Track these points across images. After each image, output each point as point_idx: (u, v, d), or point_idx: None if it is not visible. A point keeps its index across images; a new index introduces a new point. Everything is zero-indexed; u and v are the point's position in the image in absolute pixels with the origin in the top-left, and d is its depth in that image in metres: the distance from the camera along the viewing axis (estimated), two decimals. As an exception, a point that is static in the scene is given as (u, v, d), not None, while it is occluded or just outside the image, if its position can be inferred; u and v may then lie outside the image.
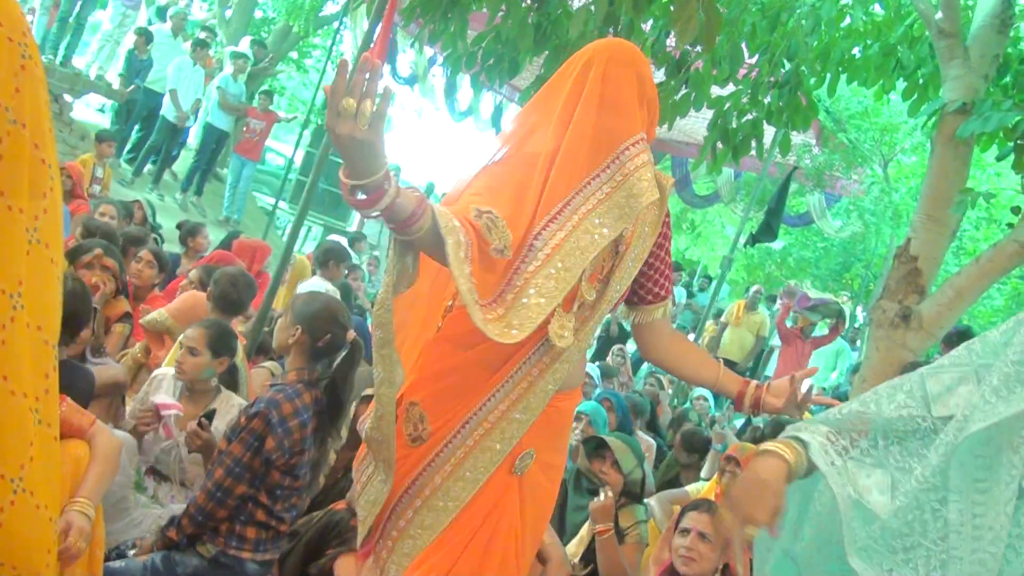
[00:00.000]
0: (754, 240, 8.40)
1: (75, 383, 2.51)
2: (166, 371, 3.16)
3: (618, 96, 1.73)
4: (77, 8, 8.65)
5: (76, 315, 2.62)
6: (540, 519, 2.00)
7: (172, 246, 6.28)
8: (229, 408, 2.99)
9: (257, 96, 10.72)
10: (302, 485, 2.61)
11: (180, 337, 3.07)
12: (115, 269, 3.67)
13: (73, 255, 3.66)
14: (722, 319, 9.35)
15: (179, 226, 6.41)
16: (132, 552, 2.56)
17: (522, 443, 1.82)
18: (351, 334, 2.63)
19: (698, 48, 3.54)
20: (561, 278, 1.63)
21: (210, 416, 2.84)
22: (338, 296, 5.00)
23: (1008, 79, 3.85)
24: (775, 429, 4.52)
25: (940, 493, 1.35)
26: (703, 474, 4.32)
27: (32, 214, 0.98)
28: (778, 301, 9.42)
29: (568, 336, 1.71)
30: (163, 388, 3.06)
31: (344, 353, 2.66)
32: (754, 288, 9.48)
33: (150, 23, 10.29)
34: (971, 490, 1.34)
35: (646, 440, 4.69)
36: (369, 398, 3.42)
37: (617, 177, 1.70)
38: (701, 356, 2.15)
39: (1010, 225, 3.53)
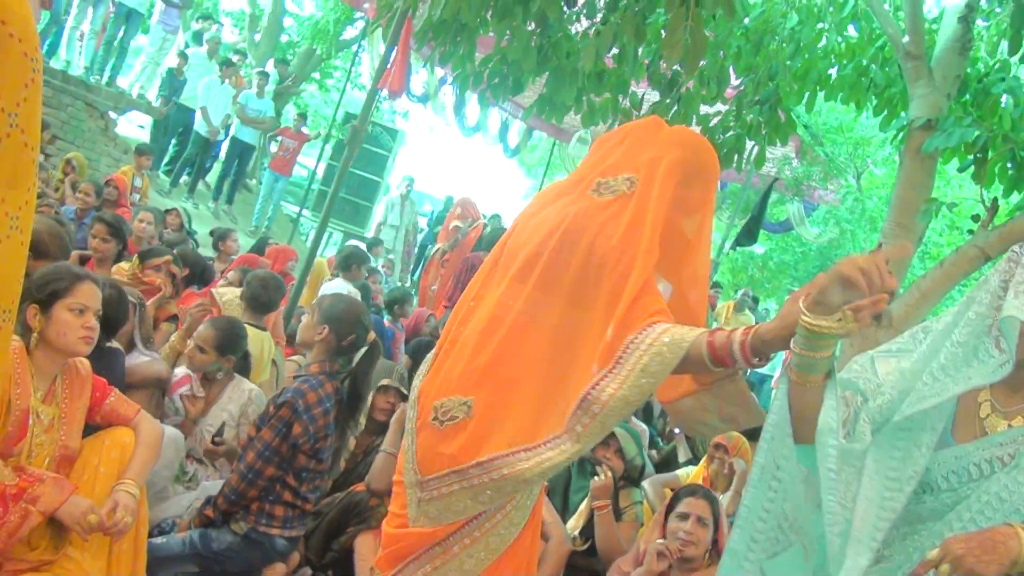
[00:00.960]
0: (736, 244, 8.41)
1: (111, 366, 2.56)
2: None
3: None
4: (121, 33, 8.74)
5: (113, 318, 2.66)
6: None
7: (206, 251, 6.31)
8: (240, 393, 3.05)
9: (292, 119, 10.75)
10: (325, 468, 2.64)
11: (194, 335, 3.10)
12: (177, 276, 3.75)
13: (144, 256, 3.70)
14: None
15: (212, 232, 6.45)
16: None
17: None
18: (372, 335, 2.66)
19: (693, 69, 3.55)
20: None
21: (220, 432, 2.94)
22: (359, 296, 5.01)
23: (968, 97, 3.85)
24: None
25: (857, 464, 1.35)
26: (680, 457, 4.37)
27: (16, 204, 1.00)
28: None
29: None
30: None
31: (364, 351, 2.68)
32: (742, 291, 9.43)
33: (187, 46, 10.33)
34: (883, 477, 1.35)
35: (639, 426, 4.70)
36: (385, 388, 3.46)
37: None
38: None
39: (971, 232, 3.53)
